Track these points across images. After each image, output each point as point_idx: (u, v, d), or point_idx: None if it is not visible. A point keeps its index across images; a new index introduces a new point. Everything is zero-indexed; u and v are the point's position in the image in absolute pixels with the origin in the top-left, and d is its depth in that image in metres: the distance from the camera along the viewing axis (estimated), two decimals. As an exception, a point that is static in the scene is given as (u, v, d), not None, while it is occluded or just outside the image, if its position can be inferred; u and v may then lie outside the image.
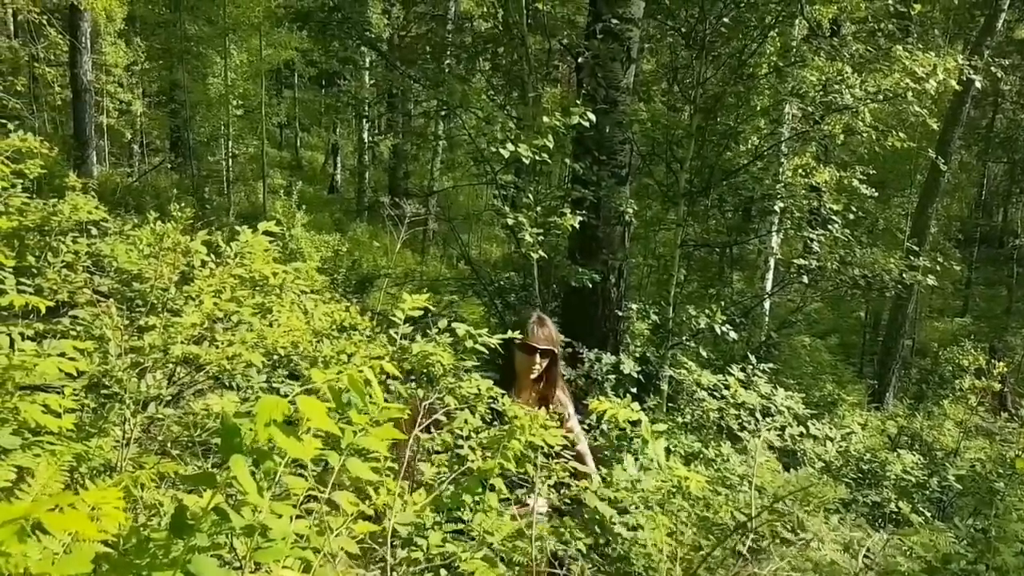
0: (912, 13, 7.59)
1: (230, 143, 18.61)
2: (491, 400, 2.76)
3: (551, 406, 3.37)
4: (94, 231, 3.87)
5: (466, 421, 2.50)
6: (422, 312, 3.21)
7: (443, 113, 10.16)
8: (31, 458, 2.43)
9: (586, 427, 5.48)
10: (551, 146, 5.43)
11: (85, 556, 1.32)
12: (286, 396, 1.61)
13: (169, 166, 20.70)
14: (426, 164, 19.46)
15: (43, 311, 2.82)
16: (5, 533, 1.09)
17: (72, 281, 3.21)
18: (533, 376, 3.43)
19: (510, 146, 5.43)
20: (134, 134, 20.24)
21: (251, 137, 20.22)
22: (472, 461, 2.35)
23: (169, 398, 2.93)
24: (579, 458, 3.38)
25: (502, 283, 9.70)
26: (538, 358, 3.39)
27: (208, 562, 1.54)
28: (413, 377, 3.09)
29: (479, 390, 2.61)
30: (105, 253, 3.48)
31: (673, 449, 5.09)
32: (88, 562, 1.21)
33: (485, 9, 11.82)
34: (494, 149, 5.73)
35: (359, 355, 3.07)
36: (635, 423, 2.85)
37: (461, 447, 2.44)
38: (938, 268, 8.01)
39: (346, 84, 23.37)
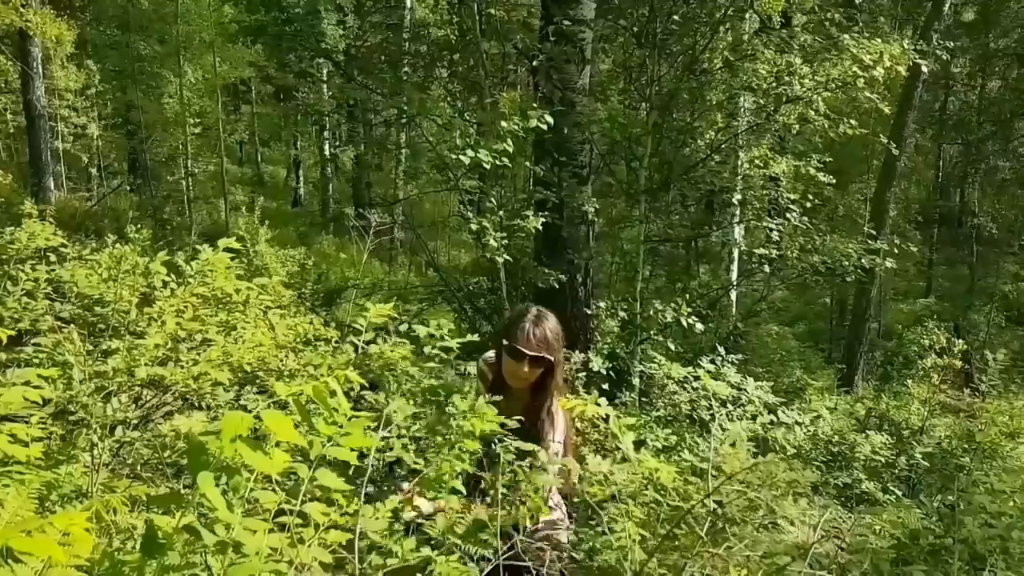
0: (858, 1, 7.73)
1: (189, 162, 18.44)
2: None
3: (538, 424, 2.84)
4: (53, 257, 3.84)
5: (395, 411, 2.38)
6: (388, 321, 3.23)
7: (403, 122, 10.17)
8: (0, 488, 2.41)
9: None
10: (511, 150, 5.47)
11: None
12: (252, 412, 1.62)
13: (128, 188, 20.46)
14: (389, 173, 19.45)
15: (4, 341, 2.80)
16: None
17: (33, 309, 3.19)
18: (521, 383, 2.85)
19: (471, 152, 5.46)
20: (91, 157, 19.97)
21: (210, 155, 20.06)
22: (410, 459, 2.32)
23: (136, 421, 2.92)
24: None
25: (471, 288, 9.72)
26: (527, 367, 2.79)
27: (180, 581, 1.55)
28: (377, 385, 3.11)
29: (441, 393, 2.58)
30: (65, 279, 3.46)
31: (649, 443, 5.14)
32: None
33: (440, 17, 11.85)
34: (455, 156, 5.76)
35: (324, 366, 3.08)
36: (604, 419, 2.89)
37: (388, 439, 2.34)
38: (896, 251, 8.16)
39: (304, 96, 23.26)
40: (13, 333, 3.09)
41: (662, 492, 2.54)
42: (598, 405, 2.51)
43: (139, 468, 2.77)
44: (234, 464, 1.66)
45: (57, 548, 1.14)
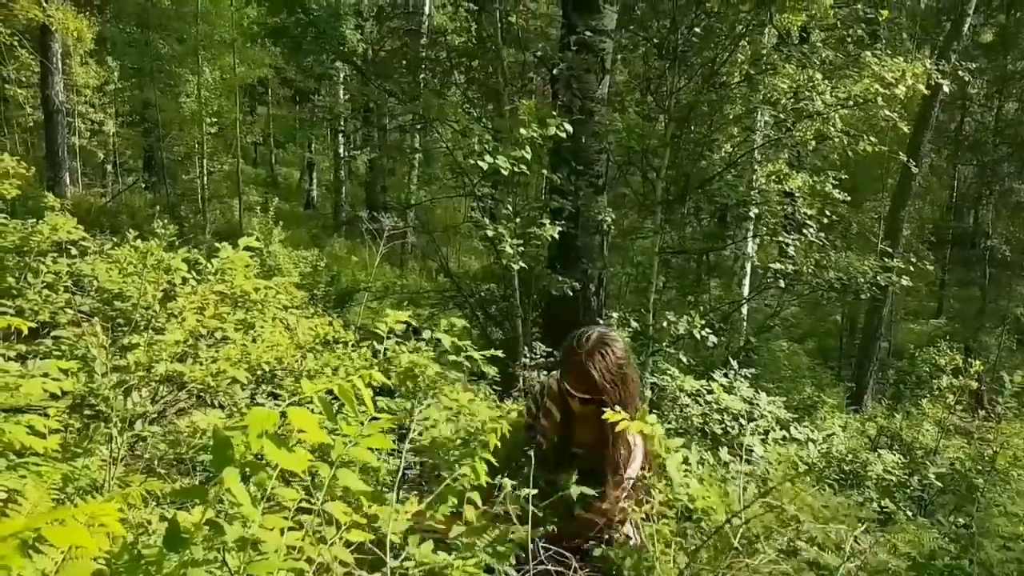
0: (880, 19, 7.73)
1: (205, 161, 18.52)
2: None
3: (609, 450, 2.62)
4: (73, 251, 3.85)
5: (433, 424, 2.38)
6: (405, 326, 3.23)
7: (419, 126, 10.20)
8: (17, 479, 2.42)
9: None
10: (529, 157, 5.47)
11: (81, 572, 1.33)
12: (278, 409, 1.62)
13: (143, 185, 20.56)
14: (403, 178, 19.48)
15: (25, 332, 2.81)
16: (6, 548, 1.10)
17: (53, 302, 3.20)
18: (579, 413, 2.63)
19: (488, 158, 5.46)
20: (107, 154, 20.08)
21: (226, 155, 20.14)
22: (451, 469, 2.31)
23: (154, 416, 2.93)
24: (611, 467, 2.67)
25: (483, 294, 9.73)
26: (578, 404, 2.58)
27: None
28: (394, 391, 3.10)
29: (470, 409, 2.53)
30: (86, 273, 3.47)
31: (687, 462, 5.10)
32: (87, 574, 1.21)
33: (459, 24, 11.89)
34: (472, 161, 5.77)
35: (344, 367, 3.08)
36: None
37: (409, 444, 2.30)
38: (911, 270, 8.12)
39: (321, 99, 23.35)
40: (34, 325, 3.10)
41: (700, 515, 2.53)
42: (649, 423, 2.47)
43: (156, 463, 2.77)
44: (257, 461, 1.66)
45: (89, 537, 1.14)
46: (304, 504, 1.80)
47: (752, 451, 3.70)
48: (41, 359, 2.91)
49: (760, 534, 2.33)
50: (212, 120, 18.40)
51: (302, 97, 27.77)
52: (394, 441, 2.06)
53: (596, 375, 2.52)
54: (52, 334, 3.04)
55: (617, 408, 2.37)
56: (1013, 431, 7.21)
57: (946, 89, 8.53)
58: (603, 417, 2.36)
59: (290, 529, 1.70)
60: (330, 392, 1.68)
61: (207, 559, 1.68)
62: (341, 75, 19.68)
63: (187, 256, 3.36)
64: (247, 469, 1.60)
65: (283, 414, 1.61)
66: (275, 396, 3.75)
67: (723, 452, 3.72)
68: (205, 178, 18.75)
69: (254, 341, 3.19)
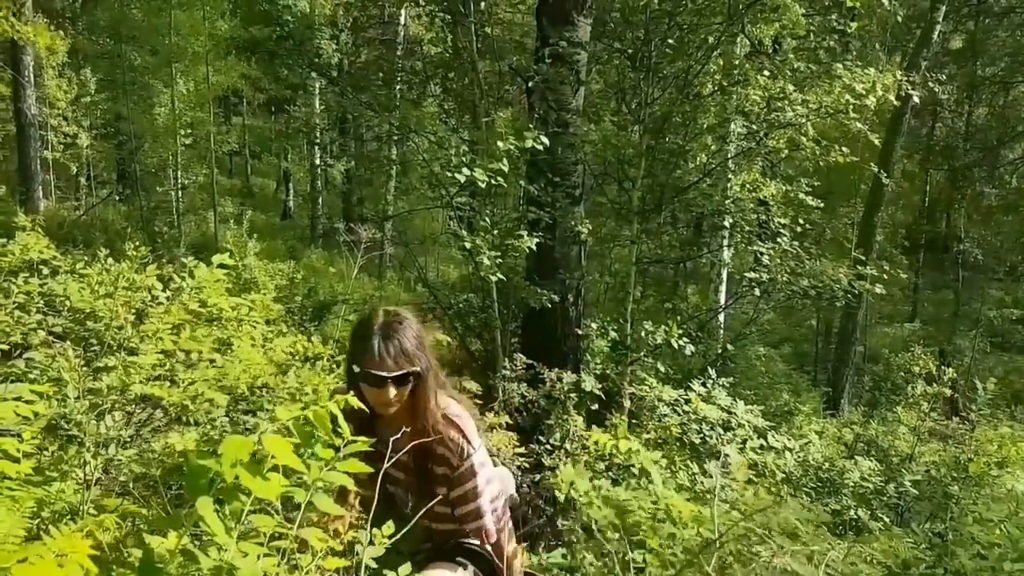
0: (850, 30, 7.83)
1: (179, 173, 18.38)
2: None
3: (435, 445, 2.35)
4: (45, 270, 3.82)
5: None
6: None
7: (396, 137, 10.20)
8: (-11, 506, 2.39)
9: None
10: (506, 170, 5.49)
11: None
12: (249, 432, 1.62)
13: (117, 198, 20.38)
14: (380, 188, 19.46)
15: (-3, 355, 2.78)
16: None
17: (25, 323, 3.17)
18: (391, 410, 2.31)
19: (466, 171, 5.47)
20: (80, 167, 19.90)
21: (200, 166, 20.00)
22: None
23: (128, 439, 2.90)
24: (473, 530, 2.45)
25: (460, 306, 9.72)
26: (392, 389, 2.25)
27: (178, 605, 1.54)
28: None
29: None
30: (58, 293, 3.44)
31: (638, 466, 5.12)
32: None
33: (435, 34, 11.91)
34: (450, 174, 5.78)
35: (321, 386, 3.07)
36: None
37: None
38: (884, 276, 8.22)
39: (296, 110, 23.29)
40: (6, 347, 3.07)
41: (677, 525, 2.54)
42: (628, 439, 2.48)
43: (131, 485, 2.75)
44: (231, 489, 1.65)
45: (59, 573, 1.13)
46: (279, 530, 1.79)
47: (728, 461, 3.72)
48: (13, 382, 2.87)
49: (734, 554, 2.35)
50: (186, 131, 18.28)
51: (277, 107, 27.69)
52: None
53: (407, 341, 2.27)
54: (24, 356, 3.01)
55: (430, 382, 2.30)
56: (987, 437, 7.30)
57: (916, 100, 8.65)
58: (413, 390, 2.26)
59: (265, 556, 1.69)
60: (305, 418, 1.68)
61: (184, 585, 1.67)
62: (317, 86, 19.64)
63: (159, 274, 3.34)
64: (221, 496, 1.60)
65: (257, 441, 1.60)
66: (252, 413, 3.73)
67: (709, 466, 3.74)
68: (180, 190, 18.61)
69: (230, 361, 3.17)
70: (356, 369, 2.26)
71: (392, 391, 2.26)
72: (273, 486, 1.58)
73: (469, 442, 2.38)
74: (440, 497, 2.40)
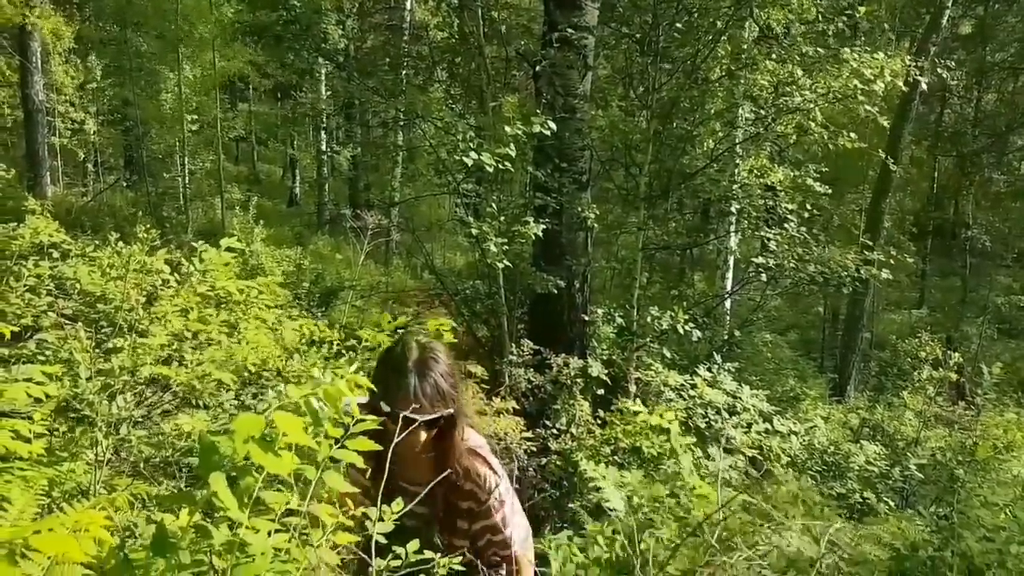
0: (858, 15, 7.78)
1: (186, 159, 18.40)
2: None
3: (461, 481, 2.24)
4: (55, 253, 3.84)
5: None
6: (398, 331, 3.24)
7: (402, 123, 10.20)
8: (2, 484, 2.42)
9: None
10: (514, 155, 5.49)
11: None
12: (260, 413, 1.63)
13: (124, 184, 20.41)
14: (386, 175, 19.45)
15: (7, 336, 2.80)
16: (-6, 558, 1.11)
17: (36, 305, 3.19)
18: (416, 451, 2.13)
19: (473, 155, 5.48)
20: (88, 153, 19.92)
21: (207, 152, 20.01)
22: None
23: (139, 419, 2.93)
24: (498, 559, 2.36)
25: (467, 292, 9.74)
26: (423, 433, 2.09)
27: (191, 580, 1.56)
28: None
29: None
30: (68, 276, 3.46)
31: (644, 450, 5.15)
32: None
33: (441, 18, 11.87)
34: (457, 157, 5.78)
35: (329, 370, 3.08)
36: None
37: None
38: (891, 262, 8.20)
39: (303, 96, 23.25)
40: (17, 329, 3.09)
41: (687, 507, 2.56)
42: (661, 416, 2.47)
43: (141, 466, 2.77)
44: (244, 465, 1.67)
45: (75, 545, 1.15)
46: (290, 507, 1.81)
47: (733, 442, 3.74)
48: (25, 363, 2.90)
49: (741, 530, 2.37)
50: (193, 117, 18.28)
51: (284, 92, 27.67)
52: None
53: (442, 380, 2.10)
54: (36, 338, 3.03)
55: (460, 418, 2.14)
56: (993, 422, 7.30)
57: (924, 87, 8.61)
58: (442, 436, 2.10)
59: (276, 532, 1.71)
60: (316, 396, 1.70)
61: (195, 561, 1.69)
62: (323, 71, 19.61)
63: (169, 258, 3.36)
64: (233, 473, 1.61)
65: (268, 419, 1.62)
66: (260, 396, 3.75)
67: (713, 450, 3.76)
68: (187, 176, 18.64)
69: (239, 343, 3.19)
70: (386, 408, 2.04)
71: (423, 433, 2.09)
72: (285, 462, 1.60)
73: (495, 472, 2.28)
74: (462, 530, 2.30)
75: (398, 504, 1.91)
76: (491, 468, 2.28)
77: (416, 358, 2.11)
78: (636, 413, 3.79)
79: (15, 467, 2.55)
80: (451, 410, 2.11)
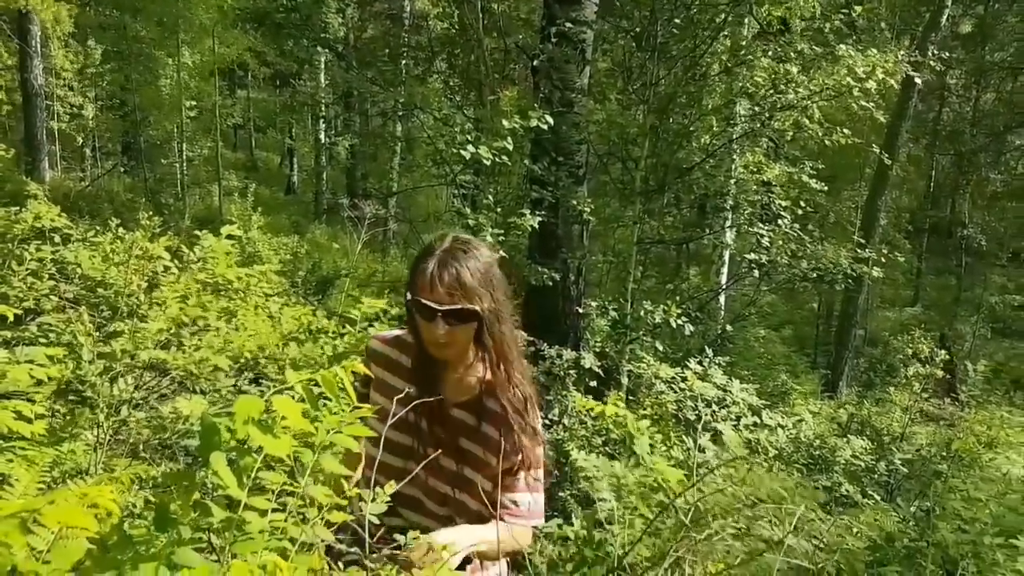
0: (855, 14, 7.83)
1: (184, 145, 18.42)
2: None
3: (506, 402, 2.01)
4: (56, 238, 3.89)
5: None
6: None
7: (401, 114, 10.23)
8: (5, 463, 2.48)
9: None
10: (511, 148, 5.54)
11: (77, 549, 1.40)
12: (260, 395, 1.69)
13: (122, 170, 20.42)
14: (384, 165, 19.48)
15: (10, 319, 2.86)
16: (7, 526, 1.17)
17: (38, 289, 3.25)
18: (444, 351, 1.97)
19: (471, 148, 5.53)
20: (86, 138, 19.93)
21: (205, 139, 20.03)
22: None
23: (139, 402, 2.99)
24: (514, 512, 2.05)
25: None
26: (442, 325, 1.89)
27: (191, 554, 1.62)
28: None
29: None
30: (69, 260, 3.52)
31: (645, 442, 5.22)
32: (81, 553, 1.28)
33: (441, 9, 11.89)
34: (455, 151, 5.83)
35: (326, 357, 3.15)
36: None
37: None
38: (883, 260, 8.27)
39: (302, 84, 23.25)
40: (20, 312, 3.15)
41: (666, 493, 2.61)
42: (617, 407, 2.54)
43: (140, 448, 2.84)
44: (242, 447, 1.73)
45: (83, 516, 1.22)
46: (287, 488, 1.87)
47: (722, 435, 3.81)
48: (27, 346, 2.96)
49: (715, 513, 2.44)
50: (191, 104, 18.30)
51: (283, 80, 27.66)
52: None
53: (468, 273, 1.90)
54: (37, 321, 3.09)
55: (498, 330, 1.95)
56: (978, 419, 7.40)
57: (919, 83, 8.67)
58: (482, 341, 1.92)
59: (273, 510, 1.78)
60: (313, 381, 1.75)
61: (194, 538, 1.75)
62: (323, 60, 19.61)
63: (169, 244, 3.42)
64: (233, 454, 1.67)
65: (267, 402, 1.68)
66: (257, 383, 3.82)
67: (700, 439, 3.83)
68: (184, 163, 18.66)
69: (236, 329, 3.25)
70: (408, 297, 1.94)
71: (442, 327, 1.89)
72: (284, 443, 1.66)
73: (538, 410, 2.09)
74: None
75: (390, 486, 1.83)
76: (535, 404, 2.08)
77: (445, 246, 1.94)
78: (591, 409, 3.85)
79: (17, 446, 2.61)
80: (474, 307, 1.89)
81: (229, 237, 3.66)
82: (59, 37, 17.12)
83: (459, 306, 1.88)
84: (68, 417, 2.94)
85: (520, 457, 2.03)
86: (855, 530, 3.06)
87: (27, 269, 3.45)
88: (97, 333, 2.87)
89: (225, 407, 2.77)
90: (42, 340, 2.96)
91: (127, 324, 2.91)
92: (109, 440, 2.84)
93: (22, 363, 2.66)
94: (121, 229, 3.60)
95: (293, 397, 1.79)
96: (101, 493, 1.25)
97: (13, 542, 1.22)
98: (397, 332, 2.14)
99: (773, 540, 2.26)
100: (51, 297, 3.23)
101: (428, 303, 1.87)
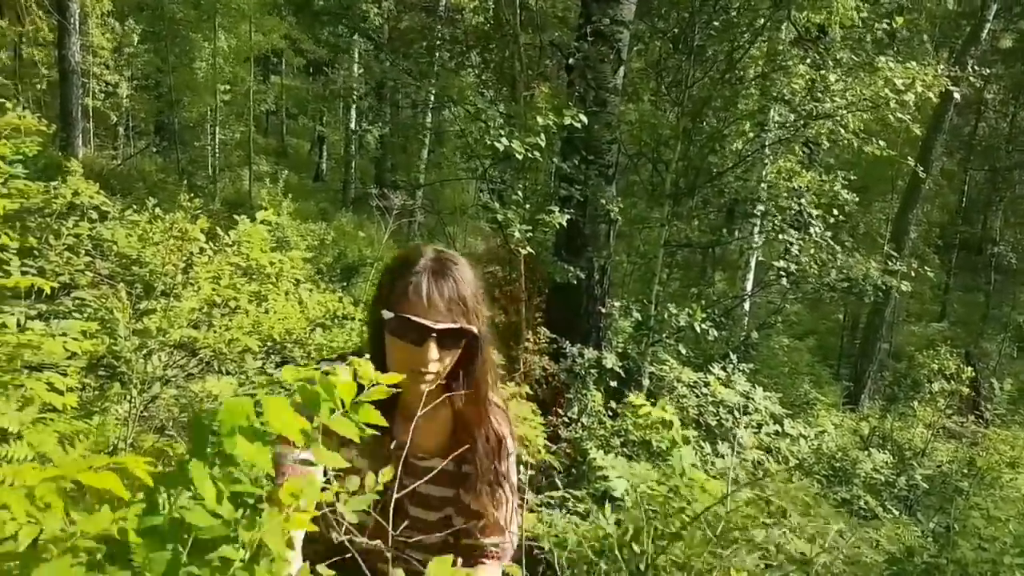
0: (896, 24, 7.75)
1: (216, 128, 18.58)
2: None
3: (481, 444, 1.74)
4: (93, 215, 3.94)
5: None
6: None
7: (432, 106, 10.26)
8: (36, 434, 2.53)
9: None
10: (544, 145, 5.55)
11: (102, 519, 1.42)
12: (276, 380, 1.70)
13: (154, 150, 20.64)
14: (413, 156, 19.55)
15: (47, 292, 2.91)
16: (47, 490, 1.21)
17: (74, 264, 3.30)
18: (427, 382, 1.61)
19: (504, 140, 5.54)
20: (120, 116, 20.14)
21: (238, 123, 20.19)
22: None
23: (169, 379, 3.03)
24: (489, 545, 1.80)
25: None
26: (435, 348, 1.57)
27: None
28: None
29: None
30: (105, 237, 3.57)
31: (654, 443, 5.22)
32: (108, 522, 1.30)
33: (477, 3, 11.91)
34: (488, 142, 5.85)
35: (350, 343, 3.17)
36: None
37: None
38: (913, 274, 8.19)
39: (335, 73, 23.36)
40: (56, 285, 3.20)
41: (693, 502, 2.61)
42: (664, 411, 2.53)
43: (169, 425, 2.88)
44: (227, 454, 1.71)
45: (119, 484, 1.24)
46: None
47: (742, 444, 3.80)
48: (62, 319, 3.01)
49: (743, 526, 2.44)
50: (225, 87, 18.45)
51: (316, 69, 27.81)
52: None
53: (465, 287, 1.62)
54: (73, 295, 3.14)
55: (488, 355, 1.68)
56: (1000, 437, 7.32)
57: (957, 97, 8.56)
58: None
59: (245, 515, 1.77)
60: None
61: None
62: (357, 50, 19.70)
63: (204, 227, 3.46)
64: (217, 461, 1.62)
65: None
66: (287, 363, 3.85)
67: (722, 447, 3.82)
68: (217, 145, 18.83)
69: (266, 312, 3.29)
70: (387, 315, 1.57)
71: (434, 351, 1.57)
72: (265, 455, 1.57)
73: (512, 440, 1.82)
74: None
75: (388, 472, 1.36)
76: (511, 435, 1.81)
77: (432, 257, 1.64)
78: (639, 407, 3.86)
79: (47, 417, 2.66)
80: (473, 328, 1.61)
81: (263, 223, 3.70)
82: (97, 15, 17.31)
83: (458, 325, 1.59)
84: (98, 392, 2.98)
85: (492, 506, 1.78)
86: (875, 543, 3.05)
87: (64, 244, 3.50)
88: (131, 310, 2.91)
89: (252, 389, 2.81)
90: (76, 315, 3.01)
91: (161, 302, 2.95)
92: (137, 415, 2.89)
93: (57, 336, 2.70)
94: (158, 209, 3.65)
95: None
96: (137, 463, 1.27)
97: (54, 504, 1.25)
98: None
99: (803, 557, 2.25)
100: (86, 273, 3.28)
101: (423, 322, 1.55)
